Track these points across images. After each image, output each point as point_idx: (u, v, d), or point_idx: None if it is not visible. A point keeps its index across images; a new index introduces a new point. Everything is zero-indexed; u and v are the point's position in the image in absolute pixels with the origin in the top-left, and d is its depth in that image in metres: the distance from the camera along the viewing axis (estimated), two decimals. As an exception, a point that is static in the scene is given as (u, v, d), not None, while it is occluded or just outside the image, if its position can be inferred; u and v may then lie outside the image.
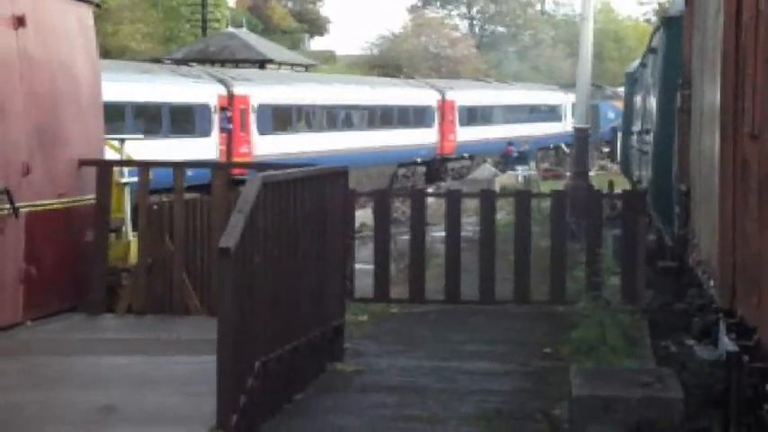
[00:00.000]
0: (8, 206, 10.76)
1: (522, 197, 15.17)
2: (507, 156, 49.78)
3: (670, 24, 18.16)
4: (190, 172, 12.92)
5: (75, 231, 12.02)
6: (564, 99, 61.76)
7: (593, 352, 11.36)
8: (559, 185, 27.83)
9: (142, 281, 12.00)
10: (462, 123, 51.87)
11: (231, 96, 35.09)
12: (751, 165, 7.82)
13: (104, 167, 12.24)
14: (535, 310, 14.37)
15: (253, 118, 36.00)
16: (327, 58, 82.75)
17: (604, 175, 42.33)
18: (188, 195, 12.56)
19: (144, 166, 12.36)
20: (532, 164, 48.38)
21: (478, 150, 52.05)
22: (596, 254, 14.47)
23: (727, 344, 9.05)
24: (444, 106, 50.49)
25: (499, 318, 14.01)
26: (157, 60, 42.51)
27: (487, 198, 15.24)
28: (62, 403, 8.45)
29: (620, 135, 37.01)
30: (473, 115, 53.48)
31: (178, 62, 43.60)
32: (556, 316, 13.94)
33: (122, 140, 13.60)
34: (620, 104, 46.05)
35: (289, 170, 10.09)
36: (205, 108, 33.88)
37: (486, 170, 46.13)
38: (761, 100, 7.41)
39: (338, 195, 11.14)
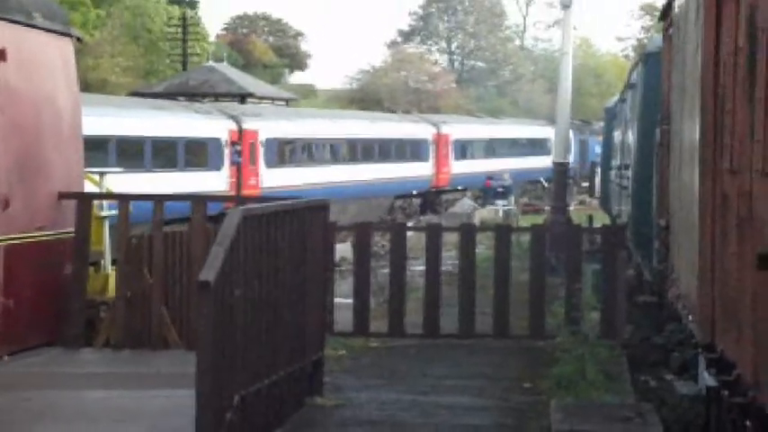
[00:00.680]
0: (-14, 240, 10.71)
1: (502, 231, 15.19)
2: (487, 190, 49.98)
3: (649, 60, 18.27)
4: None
5: (54, 264, 11.96)
6: (551, 133, 62.30)
7: (573, 386, 11.36)
8: (539, 220, 27.87)
9: (121, 314, 11.96)
10: (457, 157, 52.90)
11: (241, 131, 35.71)
12: (731, 200, 7.85)
13: (84, 200, 12.21)
14: (514, 344, 14.36)
15: (261, 152, 36.72)
16: (307, 92, 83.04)
17: (584, 209, 42.41)
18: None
19: (123, 200, 12.36)
20: (512, 198, 48.54)
21: (471, 183, 52.72)
22: (576, 288, 14.48)
23: (707, 379, 9.07)
24: (439, 140, 51.52)
25: (479, 352, 13.99)
26: (138, 94, 42.49)
27: (467, 232, 15.25)
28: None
29: (598, 170, 37.15)
30: (467, 149, 54.71)
31: (158, 96, 43.64)
32: (535, 350, 13.93)
33: (102, 173, 13.64)
34: (602, 139, 46.33)
35: (269, 203, 10.08)
36: (217, 142, 34.53)
37: (465, 204, 46.37)
38: (740, 136, 7.44)
39: (318, 229, 11.13)
